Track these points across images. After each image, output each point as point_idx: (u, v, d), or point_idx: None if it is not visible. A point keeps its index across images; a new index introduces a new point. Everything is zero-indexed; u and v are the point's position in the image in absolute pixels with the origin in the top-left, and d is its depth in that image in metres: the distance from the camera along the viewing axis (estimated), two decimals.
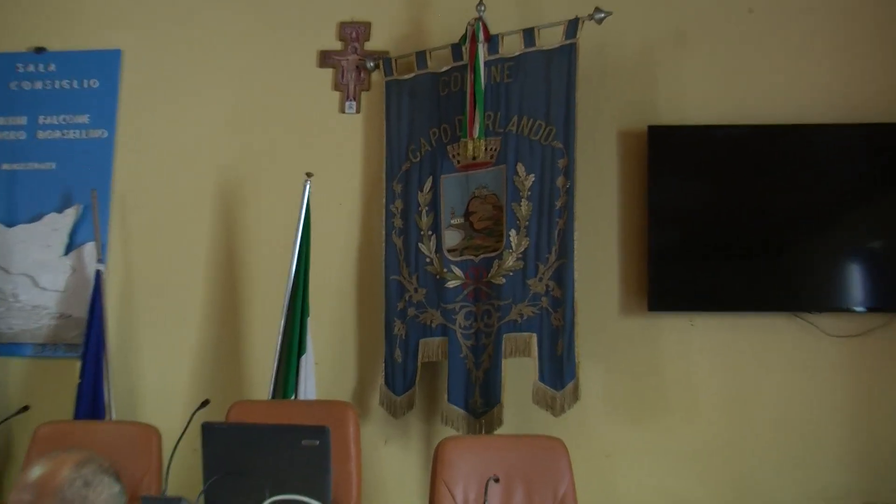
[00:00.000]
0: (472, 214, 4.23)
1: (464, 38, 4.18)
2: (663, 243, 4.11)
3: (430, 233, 4.28)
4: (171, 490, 3.28)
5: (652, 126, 4.17)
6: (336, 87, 4.62)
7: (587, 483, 3.65)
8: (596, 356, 4.14)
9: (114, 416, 4.38)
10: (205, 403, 3.54)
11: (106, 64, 4.86)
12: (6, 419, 4.12)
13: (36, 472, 1.96)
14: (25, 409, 4.14)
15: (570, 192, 3.99)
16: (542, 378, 3.99)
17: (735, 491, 4.02)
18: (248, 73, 4.73)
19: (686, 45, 4.33)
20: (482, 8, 4.13)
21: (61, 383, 4.56)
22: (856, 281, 4.02)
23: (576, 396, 3.91)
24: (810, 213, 4.04)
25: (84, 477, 1.95)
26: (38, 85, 4.90)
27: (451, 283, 4.21)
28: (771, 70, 4.25)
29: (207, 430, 2.99)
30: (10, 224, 4.83)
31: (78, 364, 4.47)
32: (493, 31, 4.17)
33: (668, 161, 4.14)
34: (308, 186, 4.24)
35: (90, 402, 4.38)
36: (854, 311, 3.99)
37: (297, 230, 4.22)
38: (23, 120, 4.89)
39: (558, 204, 4.02)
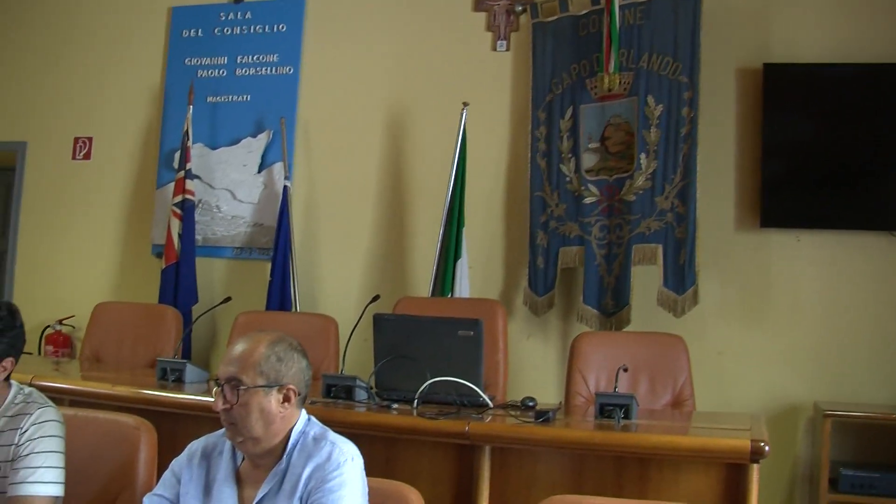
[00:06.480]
0: (607, 140, 4.37)
1: None
2: (775, 169, 4.21)
3: (570, 155, 4.45)
4: (347, 371, 3.41)
5: (767, 64, 4.24)
6: (489, 28, 4.80)
7: (701, 375, 3.73)
8: (713, 266, 4.25)
9: (298, 308, 4.69)
10: (375, 298, 3.66)
11: (292, 11, 5.20)
12: (212, 308, 4.32)
13: (238, 348, 2.09)
14: (228, 300, 4.19)
15: (693, 122, 4.13)
16: (665, 283, 4.17)
17: (829, 385, 4.12)
18: (413, 17, 4.96)
19: None
20: None
21: (255, 280, 4.95)
22: None
23: (695, 300, 4.10)
24: None
25: (277, 353, 2.08)
26: (237, 30, 5.29)
27: (588, 200, 4.39)
28: (884, 10, 4.15)
29: (378, 320, 3.11)
30: (214, 147, 5.25)
31: (269, 265, 4.82)
32: None
33: (781, 96, 4.22)
34: (464, 114, 4.46)
35: (279, 297, 4.72)
36: None
37: (455, 151, 4.44)
38: (224, 60, 5.30)
39: (683, 131, 4.16)
